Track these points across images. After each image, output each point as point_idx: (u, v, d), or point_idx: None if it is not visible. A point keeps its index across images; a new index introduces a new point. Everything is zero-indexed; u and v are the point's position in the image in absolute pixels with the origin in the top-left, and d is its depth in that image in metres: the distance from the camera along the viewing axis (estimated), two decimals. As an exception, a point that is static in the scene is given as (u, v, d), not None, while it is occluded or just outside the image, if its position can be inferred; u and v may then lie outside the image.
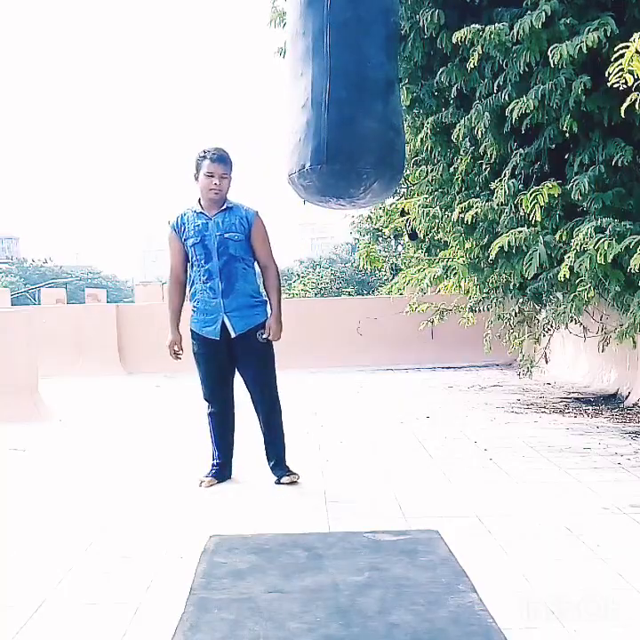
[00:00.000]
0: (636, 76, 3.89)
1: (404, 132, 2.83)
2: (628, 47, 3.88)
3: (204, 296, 4.07)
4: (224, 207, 4.04)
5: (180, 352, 4.21)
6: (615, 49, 4.00)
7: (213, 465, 4.27)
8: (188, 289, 4.21)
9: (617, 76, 3.95)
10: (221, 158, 3.91)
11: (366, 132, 2.73)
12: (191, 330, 4.17)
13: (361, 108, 2.71)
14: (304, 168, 2.72)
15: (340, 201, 2.90)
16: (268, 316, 4.14)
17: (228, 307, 4.04)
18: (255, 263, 4.18)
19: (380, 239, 15.61)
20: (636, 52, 3.83)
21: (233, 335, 4.06)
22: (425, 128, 6.35)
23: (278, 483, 4.13)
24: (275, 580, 2.67)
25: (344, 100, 2.72)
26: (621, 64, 3.90)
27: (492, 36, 4.86)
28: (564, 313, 5.88)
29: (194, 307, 4.15)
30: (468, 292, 8.03)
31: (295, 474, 4.18)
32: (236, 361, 4.17)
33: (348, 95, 2.71)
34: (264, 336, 4.09)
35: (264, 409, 4.19)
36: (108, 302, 13.49)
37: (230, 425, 4.30)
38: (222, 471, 4.27)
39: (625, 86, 3.96)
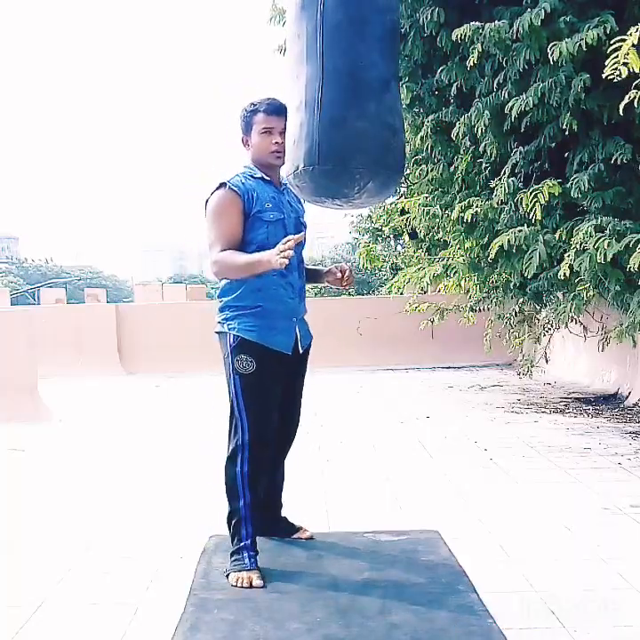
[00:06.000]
0: (630, 70, 3.90)
1: (403, 132, 2.81)
2: (624, 40, 3.89)
3: (280, 293, 2.77)
4: (282, 180, 2.90)
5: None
6: (612, 42, 4.02)
7: (244, 547, 2.68)
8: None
9: (612, 68, 3.96)
10: (278, 108, 2.86)
11: (358, 133, 2.71)
12: (242, 340, 2.73)
13: (353, 109, 2.70)
14: (297, 169, 2.71)
15: (336, 201, 2.88)
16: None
17: (301, 312, 2.92)
18: None
19: (380, 238, 15.58)
20: (633, 45, 3.85)
21: (300, 351, 2.89)
22: (425, 127, 6.34)
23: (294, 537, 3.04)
24: (275, 580, 2.66)
25: (336, 101, 2.71)
26: (617, 56, 3.92)
27: (492, 34, 4.86)
28: (565, 312, 5.87)
29: (250, 307, 2.76)
30: (468, 291, 8.02)
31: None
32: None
33: (339, 96, 2.70)
34: (347, 276, 2.90)
35: (288, 447, 3.01)
36: (107, 302, 13.49)
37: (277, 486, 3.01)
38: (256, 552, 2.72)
39: (620, 79, 3.97)
